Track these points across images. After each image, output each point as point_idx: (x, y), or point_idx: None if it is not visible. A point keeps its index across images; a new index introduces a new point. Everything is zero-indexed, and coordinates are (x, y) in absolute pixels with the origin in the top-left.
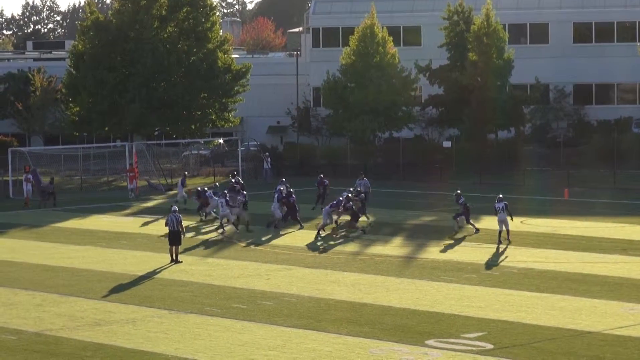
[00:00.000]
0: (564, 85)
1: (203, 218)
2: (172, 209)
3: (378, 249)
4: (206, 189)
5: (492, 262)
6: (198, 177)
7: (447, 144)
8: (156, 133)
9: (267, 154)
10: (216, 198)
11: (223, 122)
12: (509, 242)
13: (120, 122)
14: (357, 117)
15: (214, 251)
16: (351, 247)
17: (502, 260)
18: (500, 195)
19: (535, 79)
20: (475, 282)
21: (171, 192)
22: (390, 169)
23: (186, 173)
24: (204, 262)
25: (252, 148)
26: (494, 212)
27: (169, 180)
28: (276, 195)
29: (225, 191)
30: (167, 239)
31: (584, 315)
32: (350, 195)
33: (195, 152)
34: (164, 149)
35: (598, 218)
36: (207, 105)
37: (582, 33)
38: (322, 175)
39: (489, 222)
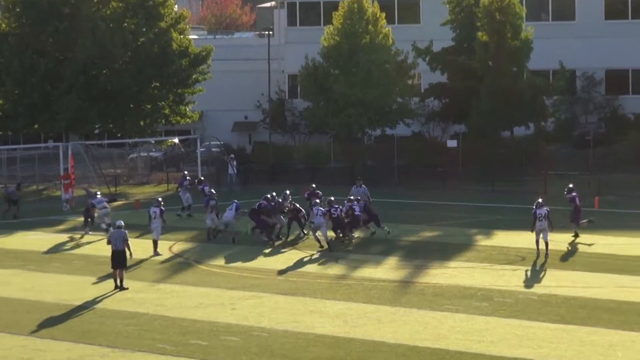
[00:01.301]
0: (594, 71)
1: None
2: (117, 224)
3: (368, 272)
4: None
5: (508, 286)
6: (147, 185)
7: (451, 143)
8: (97, 131)
9: (233, 156)
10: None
11: (179, 118)
12: (547, 257)
13: (53, 117)
14: (342, 110)
15: (167, 275)
16: (336, 270)
17: (520, 285)
18: (540, 200)
19: (560, 64)
20: (486, 312)
21: (116, 203)
22: (382, 174)
23: (186, 173)
24: (155, 288)
25: (214, 149)
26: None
27: (113, 189)
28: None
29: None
30: (110, 260)
31: (619, 352)
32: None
33: (145, 154)
34: (106, 150)
35: (636, 233)
36: (159, 97)
37: (616, 8)
38: (314, 186)
39: (503, 238)
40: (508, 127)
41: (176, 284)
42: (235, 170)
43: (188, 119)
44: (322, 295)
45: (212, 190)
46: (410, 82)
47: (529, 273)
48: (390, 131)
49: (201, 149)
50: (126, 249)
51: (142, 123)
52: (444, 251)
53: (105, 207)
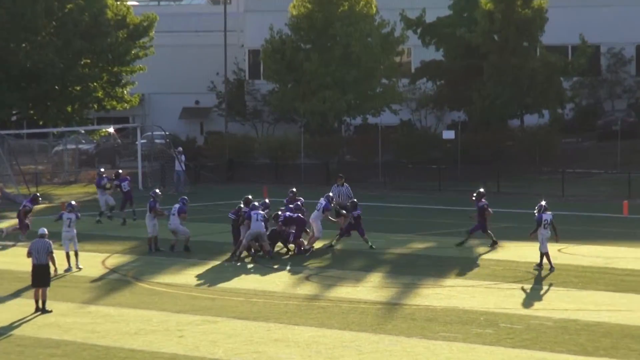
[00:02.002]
0: (623, 46)
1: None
2: (40, 232)
3: (346, 291)
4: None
5: (517, 309)
6: (75, 185)
7: (448, 134)
8: (14, 118)
9: (181, 149)
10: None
11: (114, 103)
12: (552, 270)
13: None
14: (314, 94)
15: (99, 295)
16: (306, 289)
17: (532, 308)
18: (544, 203)
19: (580, 38)
20: (490, 341)
21: (37, 207)
22: (364, 172)
23: (102, 170)
24: (85, 311)
25: (157, 141)
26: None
27: (33, 189)
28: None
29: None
30: (30, 277)
31: None
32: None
33: (73, 146)
34: (25, 142)
35: None
36: (90, 76)
37: None
38: (294, 190)
39: (511, 251)
40: (517, 114)
41: (111, 305)
42: (184, 167)
43: (126, 104)
44: (289, 320)
45: (157, 190)
46: (398, 59)
47: (542, 293)
48: (374, 120)
49: (142, 141)
50: (49, 263)
51: (69, 109)
52: (439, 266)
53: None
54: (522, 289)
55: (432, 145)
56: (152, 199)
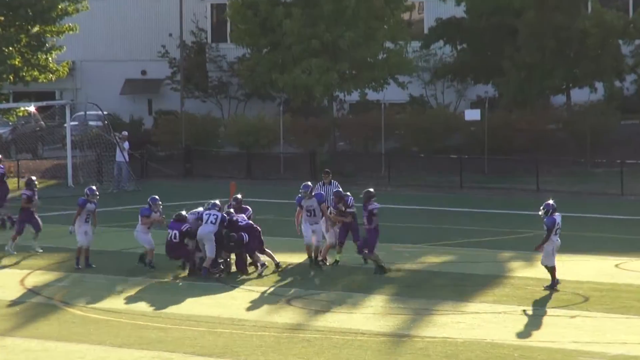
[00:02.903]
0: None
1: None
2: None
3: (339, 319)
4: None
5: (561, 343)
6: None
7: (472, 114)
8: None
9: (125, 134)
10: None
11: (35, 73)
12: (554, 284)
13: None
14: (297, 62)
15: (17, 323)
16: (287, 315)
17: (582, 341)
18: (552, 202)
19: None
20: None
21: None
22: (362, 163)
23: None
24: (2, 344)
25: (92, 123)
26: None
27: None
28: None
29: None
30: None
31: None
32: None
33: None
34: None
35: None
36: (4, 39)
37: None
38: (239, 197)
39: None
40: (562, 89)
41: (33, 337)
42: (127, 158)
43: (51, 75)
44: (265, 357)
45: (93, 187)
46: (406, 16)
47: (595, 321)
48: (375, 95)
49: (72, 123)
50: None
51: None
52: (460, 286)
53: None
54: (571, 316)
55: (451, 129)
56: (83, 198)
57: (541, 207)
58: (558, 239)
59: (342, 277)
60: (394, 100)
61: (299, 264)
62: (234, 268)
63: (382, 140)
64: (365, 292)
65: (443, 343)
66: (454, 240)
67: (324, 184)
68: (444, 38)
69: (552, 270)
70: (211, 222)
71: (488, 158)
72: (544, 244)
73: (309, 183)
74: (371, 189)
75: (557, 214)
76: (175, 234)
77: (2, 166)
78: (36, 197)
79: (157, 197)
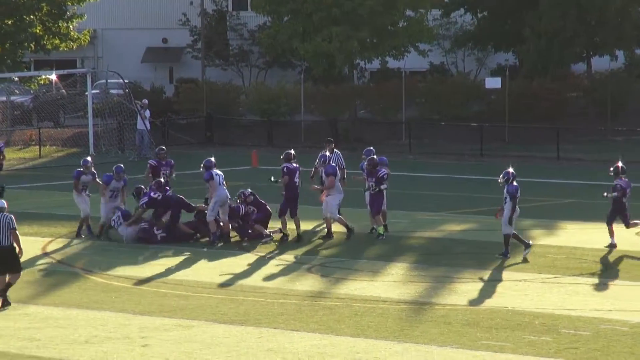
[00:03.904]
0: None
1: None
2: None
3: (359, 287)
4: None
5: (582, 311)
6: (7, 149)
7: (493, 82)
8: None
9: (146, 102)
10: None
11: (57, 41)
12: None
13: None
14: (318, 30)
15: (39, 291)
16: (308, 283)
17: (603, 309)
18: (511, 170)
19: None
20: (549, 352)
21: None
22: (382, 131)
23: None
24: (22, 312)
25: (114, 91)
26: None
27: None
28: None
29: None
30: None
31: None
32: None
33: (3, 98)
34: None
35: None
36: (24, 6)
37: None
38: (372, 149)
39: (575, 235)
40: (583, 57)
41: (55, 305)
42: (149, 126)
43: (72, 43)
44: (286, 325)
45: (88, 158)
46: None
47: (616, 289)
48: (395, 64)
49: (93, 91)
50: (13, 245)
51: None
52: (480, 254)
53: None
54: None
55: (471, 97)
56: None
57: (501, 175)
58: (518, 207)
59: (362, 245)
60: (415, 68)
61: (319, 232)
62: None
63: (402, 109)
64: (386, 259)
65: (464, 311)
66: (474, 208)
67: (325, 152)
68: (465, 6)
69: (513, 237)
70: (222, 183)
71: (509, 126)
72: (506, 212)
73: (372, 148)
74: (375, 156)
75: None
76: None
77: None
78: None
79: (122, 166)
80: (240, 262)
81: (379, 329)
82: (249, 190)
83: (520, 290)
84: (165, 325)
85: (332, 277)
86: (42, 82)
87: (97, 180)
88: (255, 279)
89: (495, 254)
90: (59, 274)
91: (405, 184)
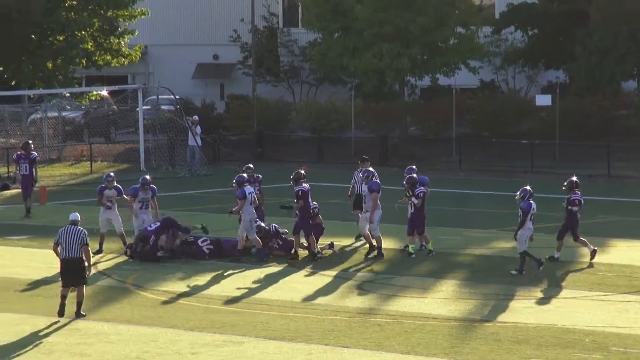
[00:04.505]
0: None
1: None
2: (71, 217)
3: (409, 304)
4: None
5: (633, 329)
6: (58, 164)
7: (543, 99)
8: None
9: (196, 118)
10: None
11: (108, 57)
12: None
13: None
14: (369, 47)
15: (91, 306)
16: (358, 300)
17: None
18: (529, 187)
19: None
20: None
21: (7, 193)
22: (432, 148)
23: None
24: (73, 328)
25: (165, 107)
26: None
27: (3, 170)
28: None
29: None
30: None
31: None
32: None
33: (55, 114)
34: None
35: None
36: (76, 22)
37: None
38: (414, 167)
39: (626, 252)
40: (634, 74)
41: (105, 321)
42: (200, 142)
43: (123, 59)
44: (336, 341)
45: (111, 173)
46: (477, 1)
47: None
48: (446, 80)
49: (144, 107)
50: (83, 256)
51: (49, 65)
52: (530, 272)
53: None
54: None
55: (521, 114)
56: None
57: (518, 192)
58: (532, 225)
59: (413, 261)
60: (465, 85)
61: (361, 248)
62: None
63: (453, 125)
64: (436, 276)
65: (514, 328)
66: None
67: (360, 170)
68: (516, 23)
69: (524, 256)
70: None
71: (559, 143)
72: (520, 230)
73: (414, 166)
74: (415, 175)
75: (532, 200)
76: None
77: (35, 153)
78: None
79: (147, 177)
80: (290, 278)
81: (429, 346)
82: (315, 203)
83: (570, 308)
84: (215, 341)
85: (382, 294)
86: (93, 97)
87: (124, 195)
88: (306, 296)
89: (545, 270)
90: (110, 290)
91: (455, 201)
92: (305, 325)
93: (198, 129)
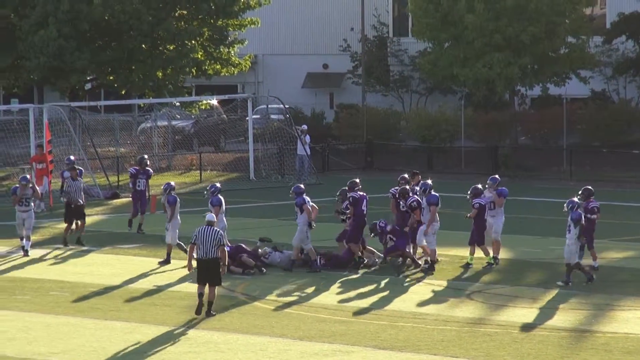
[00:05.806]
0: None
1: None
2: (207, 218)
3: (519, 314)
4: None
5: None
6: (168, 172)
7: None
8: (88, 87)
9: (305, 127)
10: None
11: (218, 66)
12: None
13: (18, 64)
14: (479, 56)
15: (201, 315)
16: (467, 310)
17: None
18: (576, 199)
19: None
20: None
21: (118, 201)
22: (542, 158)
23: (73, 159)
24: (183, 337)
25: (274, 116)
26: None
27: (114, 179)
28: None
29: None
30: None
31: None
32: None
33: (164, 123)
34: (103, 117)
35: None
36: (187, 32)
37: None
38: (497, 177)
39: None
40: None
41: (214, 330)
42: (309, 151)
43: (233, 68)
44: (446, 351)
45: (171, 183)
46: (588, 11)
47: None
48: (556, 90)
49: (254, 117)
50: (219, 255)
51: (159, 74)
52: (636, 281)
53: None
54: None
55: (633, 124)
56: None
57: (565, 204)
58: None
59: (522, 271)
60: (576, 95)
61: (479, 259)
62: None
63: (563, 135)
64: (545, 286)
65: (625, 339)
66: (635, 236)
67: (413, 186)
68: (627, 33)
69: (575, 267)
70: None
71: None
72: (574, 239)
73: (497, 176)
74: (479, 186)
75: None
76: None
77: (151, 170)
78: None
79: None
80: (399, 288)
81: (539, 356)
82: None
83: None
84: (324, 351)
85: (491, 304)
86: (203, 107)
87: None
88: (414, 305)
89: None
90: (219, 299)
91: (562, 211)
92: (414, 335)
93: (307, 138)
